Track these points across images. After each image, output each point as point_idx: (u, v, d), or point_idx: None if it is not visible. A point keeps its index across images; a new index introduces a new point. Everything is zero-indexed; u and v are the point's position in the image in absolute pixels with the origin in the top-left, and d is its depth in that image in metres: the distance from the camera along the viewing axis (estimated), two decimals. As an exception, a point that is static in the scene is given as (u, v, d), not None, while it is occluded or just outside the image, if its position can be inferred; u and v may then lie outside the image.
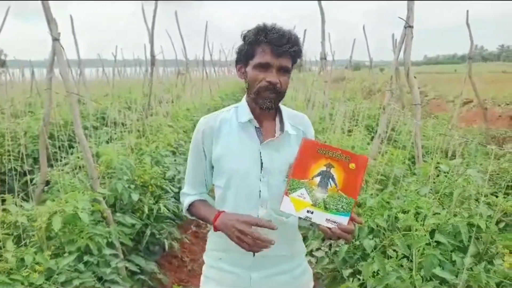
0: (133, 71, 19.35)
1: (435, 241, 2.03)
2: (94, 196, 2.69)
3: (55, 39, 2.62)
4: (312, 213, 1.19)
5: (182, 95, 10.16)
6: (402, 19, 3.20)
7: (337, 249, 2.51)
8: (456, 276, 1.87)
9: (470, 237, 2.01)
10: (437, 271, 1.89)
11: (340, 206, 1.19)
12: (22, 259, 2.04)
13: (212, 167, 1.39)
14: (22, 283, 1.92)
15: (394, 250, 2.12)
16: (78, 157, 3.29)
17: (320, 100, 6.68)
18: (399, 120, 4.80)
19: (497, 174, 3.36)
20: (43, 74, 13.12)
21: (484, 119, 6.18)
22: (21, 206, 2.45)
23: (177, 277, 3.33)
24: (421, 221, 2.13)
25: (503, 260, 1.85)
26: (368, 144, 4.35)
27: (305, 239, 3.04)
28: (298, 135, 1.38)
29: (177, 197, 3.57)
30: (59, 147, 3.59)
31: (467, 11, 5.47)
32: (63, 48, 2.68)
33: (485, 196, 2.28)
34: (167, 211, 3.34)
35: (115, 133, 4.34)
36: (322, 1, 5.75)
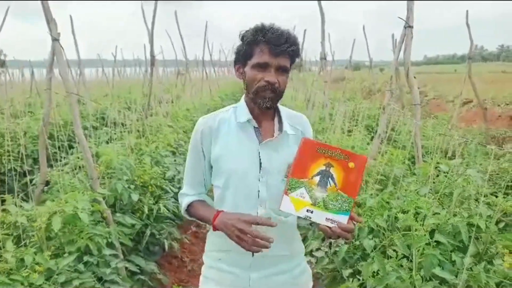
0: (133, 71, 19.35)
1: (435, 241, 2.03)
2: (94, 196, 2.68)
3: (55, 39, 2.62)
4: (311, 212, 1.19)
5: (182, 95, 10.16)
6: (402, 19, 3.20)
7: (337, 249, 2.51)
8: (456, 276, 1.87)
9: (470, 237, 2.01)
10: (437, 271, 1.89)
11: (340, 205, 1.19)
12: (22, 260, 2.04)
13: (211, 167, 1.40)
14: (22, 284, 1.92)
15: (394, 250, 2.13)
16: (78, 157, 3.29)
17: (320, 100, 6.68)
18: (399, 120, 4.80)
19: (497, 174, 3.36)
20: (42, 74, 13.13)
21: (484, 119, 6.19)
22: (21, 206, 2.45)
23: (177, 277, 3.33)
24: (421, 221, 2.13)
25: (502, 260, 1.85)
26: (368, 144, 4.35)
27: (305, 239, 3.04)
28: (297, 135, 1.39)
29: (177, 197, 3.57)
30: (59, 147, 3.59)
31: (467, 11, 5.48)
32: (62, 48, 2.68)
33: (484, 196, 2.28)
34: (167, 211, 3.34)
35: (115, 133, 4.34)
36: (322, 1, 5.75)
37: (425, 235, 2.00)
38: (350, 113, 5.32)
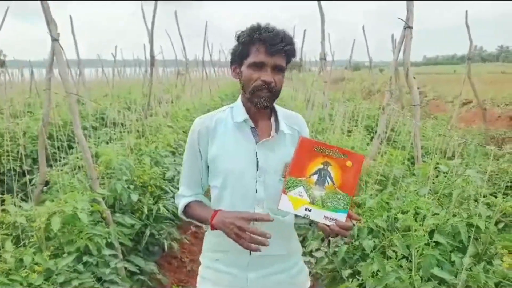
0: (132, 72, 19.35)
1: (434, 242, 2.03)
2: (93, 196, 2.68)
3: (55, 40, 2.62)
4: (310, 211, 1.20)
5: (182, 96, 10.16)
6: (401, 20, 3.21)
7: (337, 249, 2.51)
8: (455, 277, 1.87)
9: (469, 237, 2.01)
10: (436, 271, 1.89)
11: (338, 203, 1.20)
12: (21, 260, 2.04)
13: (208, 167, 1.40)
14: (21, 284, 1.92)
15: (393, 251, 2.13)
16: (77, 158, 3.29)
17: (319, 101, 6.68)
18: (398, 120, 4.80)
19: (496, 174, 3.37)
20: (42, 75, 13.12)
21: (483, 120, 6.19)
22: (20, 206, 2.45)
23: (177, 277, 3.33)
24: (420, 221, 2.13)
25: (502, 261, 1.86)
26: (368, 144, 4.35)
27: (304, 239, 3.04)
28: (294, 135, 1.39)
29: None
30: (58, 148, 3.59)
31: (466, 11, 5.48)
32: (62, 48, 2.68)
33: (484, 197, 2.28)
34: (167, 211, 3.34)
35: (115, 134, 4.34)
36: (322, 1, 5.75)
37: (424, 235, 2.00)
38: (350, 113, 5.32)
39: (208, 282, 1.42)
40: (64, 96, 2.83)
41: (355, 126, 4.86)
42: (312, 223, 1.28)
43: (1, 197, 2.49)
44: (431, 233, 2.08)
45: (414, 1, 3.15)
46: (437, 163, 2.80)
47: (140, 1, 6.63)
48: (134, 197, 3.06)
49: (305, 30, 9.72)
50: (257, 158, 1.32)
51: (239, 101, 1.39)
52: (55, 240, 2.29)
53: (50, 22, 2.58)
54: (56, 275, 2.06)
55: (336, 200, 1.20)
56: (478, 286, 1.79)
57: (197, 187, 1.44)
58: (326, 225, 1.19)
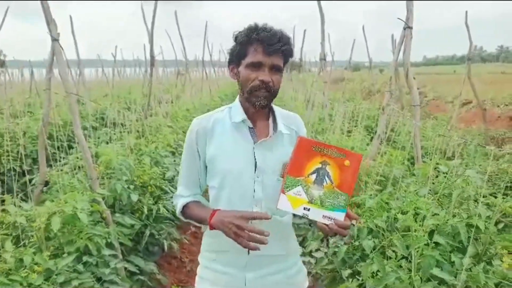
0: (132, 72, 19.36)
1: (434, 242, 2.03)
2: (93, 196, 2.68)
3: (55, 40, 2.62)
4: (308, 210, 1.20)
5: (182, 96, 10.17)
6: (401, 20, 3.21)
7: (336, 249, 2.52)
8: (455, 277, 1.87)
9: (469, 237, 2.01)
10: (436, 271, 1.89)
11: (336, 202, 1.20)
12: (21, 260, 2.04)
13: (206, 167, 1.40)
14: (21, 284, 1.92)
15: (393, 251, 2.13)
16: (77, 158, 3.29)
17: (319, 101, 6.68)
18: (398, 120, 4.81)
19: (496, 175, 3.37)
20: (42, 75, 13.12)
21: (483, 120, 6.19)
22: (20, 206, 2.45)
23: (176, 277, 3.33)
24: (420, 221, 2.13)
25: (501, 261, 1.86)
26: (368, 144, 4.35)
27: (304, 239, 3.04)
28: (291, 135, 1.40)
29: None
30: (58, 148, 3.59)
31: (466, 11, 5.48)
32: (62, 48, 2.68)
33: (484, 197, 2.28)
34: (167, 211, 3.34)
35: (115, 134, 4.34)
36: (322, 1, 5.75)
37: (424, 235, 2.00)
38: (350, 113, 5.32)
39: (206, 282, 1.43)
40: (64, 96, 2.83)
41: (355, 126, 4.86)
42: (311, 222, 1.28)
43: (1, 197, 2.49)
44: (431, 234, 2.08)
45: (414, 1, 3.15)
46: (437, 164, 2.80)
47: (140, 1, 6.63)
48: (134, 197, 3.06)
49: (305, 30, 9.72)
50: (255, 158, 1.33)
51: (237, 101, 1.40)
52: (55, 240, 2.29)
53: (50, 22, 2.58)
54: (56, 275, 2.06)
55: (335, 199, 1.20)
56: (477, 287, 1.79)
57: (195, 187, 1.44)
58: (324, 224, 1.19)
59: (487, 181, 2.44)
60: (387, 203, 2.53)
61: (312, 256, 2.74)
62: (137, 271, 2.78)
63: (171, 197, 3.63)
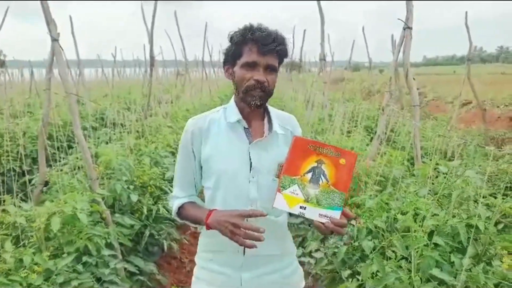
0: (132, 72, 19.37)
1: (434, 243, 2.03)
2: (93, 196, 2.68)
3: (54, 40, 2.62)
4: (305, 208, 1.20)
5: (182, 96, 10.17)
6: (401, 20, 3.21)
7: (336, 250, 2.52)
8: (455, 277, 1.87)
9: (468, 238, 2.01)
10: (436, 272, 1.89)
11: (332, 200, 1.21)
12: (21, 260, 2.04)
13: (201, 167, 1.40)
14: (21, 284, 1.92)
15: (393, 251, 2.13)
16: (77, 158, 3.29)
17: (319, 101, 6.68)
18: (398, 121, 4.81)
19: (496, 175, 3.37)
20: (42, 75, 13.12)
21: (483, 120, 6.20)
22: (19, 206, 2.45)
23: (176, 278, 3.33)
24: (419, 222, 2.13)
25: (501, 261, 1.85)
26: (367, 145, 4.35)
27: (304, 240, 3.04)
28: (286, 135, 1.40)
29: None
30: (58, 148, 3.59)
31: (466, 12, 5.49)
32: (62, 48, 2.68)
33: (483, 197, 2.28)
34: (166, 212, 3.34)
35: (114, 134, 4.34)
36: (322, 1, 5.76)
37: (424, 236, 2.00)
38: (350, 114, 5.32)
39: (203, 282, 1.44)
40: (64, 96, 2.83)
41: (355, 126, 4.86)
42: (307, 220, 1.29)
43: (1, 197, 2.49)
44: (430, 234, 2.08)
45: (414, 1, 3.15)
46: (437, 164, 2.80)
47: (140, 1, 6.63)
48: (134, 197, 3.06)
49: (305, 30, 9.73)
50: (250, 158, 1.33)
51: (232, 102, 1.40)
52: (55, 240, 2.29)
53: (50, 22, 2.58)
54: (55, 275, 2.06)
55: (331, 198, 1.21)
56: (477, 287, 1.80)
57: (190, 188, 1.44)
58: (321, 222, 1.20)
59: (486, 181, 2.44)
60: (386, 203, 2.53)
61: (312, 257, 2.74)
62: (137, 272, 2.78)
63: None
